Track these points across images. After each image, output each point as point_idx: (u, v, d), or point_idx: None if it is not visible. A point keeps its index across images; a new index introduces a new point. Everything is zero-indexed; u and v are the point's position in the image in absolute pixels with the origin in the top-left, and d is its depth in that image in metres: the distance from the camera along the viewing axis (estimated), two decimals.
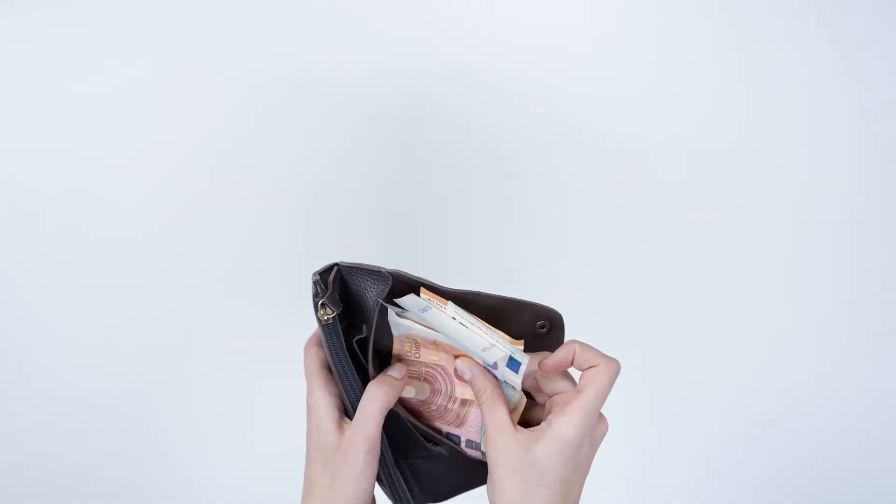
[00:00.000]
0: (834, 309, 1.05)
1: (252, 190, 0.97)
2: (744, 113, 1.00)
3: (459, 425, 0.57)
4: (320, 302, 0.53)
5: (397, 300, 0.55)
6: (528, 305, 0.56)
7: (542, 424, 0.53)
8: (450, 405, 0.57)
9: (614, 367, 0.54)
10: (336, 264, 0.56)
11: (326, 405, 0.56)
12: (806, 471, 1.09)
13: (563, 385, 0.55)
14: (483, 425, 0.56)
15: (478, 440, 0.57)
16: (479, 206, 1.00)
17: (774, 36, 0.99)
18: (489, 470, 0.54)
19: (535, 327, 0.56)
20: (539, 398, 0.58)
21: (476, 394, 0.55)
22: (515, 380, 0.55)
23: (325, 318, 0.54)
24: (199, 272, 0.98)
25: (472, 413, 0.57)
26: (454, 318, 0.55)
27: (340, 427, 0.56)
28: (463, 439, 0.58)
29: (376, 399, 0.55)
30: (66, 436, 0.99)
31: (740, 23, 0.98)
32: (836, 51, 0.99)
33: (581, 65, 0.97)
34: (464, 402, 0.57)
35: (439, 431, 0.58)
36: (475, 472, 0.61)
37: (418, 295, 0.55)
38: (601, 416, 0.54)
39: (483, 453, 0.58)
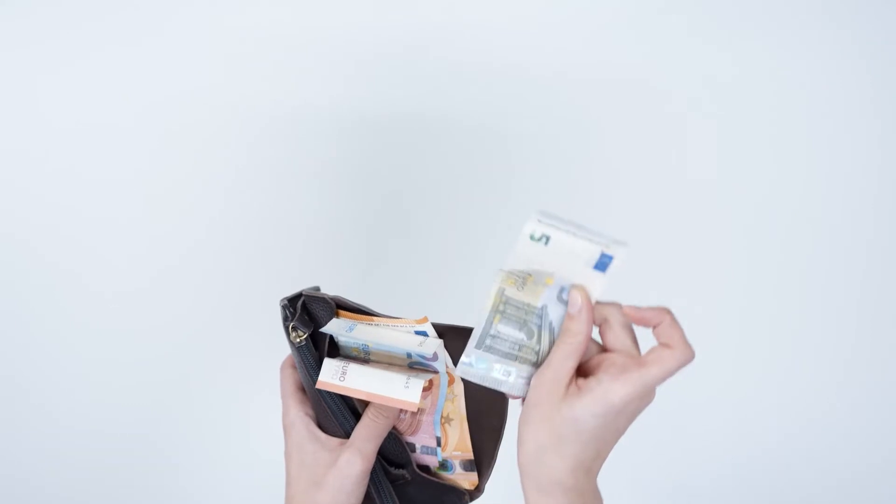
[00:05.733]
0: (846, 311, 1.06)
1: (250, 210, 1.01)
2: (754, 104, 1.01)
3: (413, 433, 0.62)
4: (291, 325, 0.59)
5: (323, 329, 0.59)
6: (470, 331, 0.57)
7: (591, 382, 0.52)
8: (402, 414, 0.62)
9: (688, 356, 0.52)
10: (301, 292, 0.61)
11: (305, 424, 0.60)
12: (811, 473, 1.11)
13: (625, 344, 0.54)
14: (547, 361, 0.54)
15: (433, 446, 0.62)
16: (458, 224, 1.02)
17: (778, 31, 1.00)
18: (525, 408, 0.54)
19: None
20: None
21: (565, 332, 0.54)
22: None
23: (298, 340, 0.58)
24: (199, 278, 1.02)
25: (425, 420, 0.62)
26: (378, 325, 0.59)
27: (325, 445, 0.59)
28: (418, 446, 0.63)
29: (377, 422, 0.59)
30: (68, 444, 1.03)
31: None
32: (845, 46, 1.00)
33: (574, 58, 0.99)
34: (417, 410, 0.61)
35: (404, 444, 0.62)
36: (442, 497, 0.64)
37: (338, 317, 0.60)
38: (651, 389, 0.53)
39: (442, 462, 0.63)
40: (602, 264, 0.53)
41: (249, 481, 1.07)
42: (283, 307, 0.60)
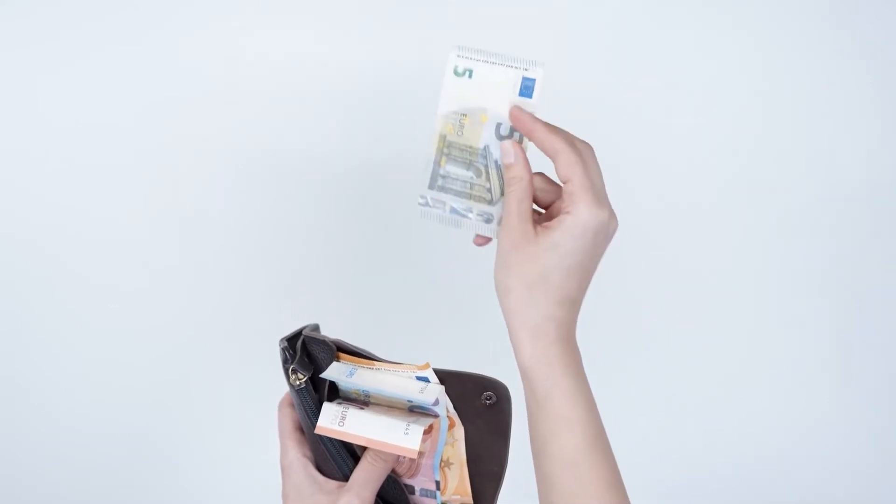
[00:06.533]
0: (847, 311, 1.06)
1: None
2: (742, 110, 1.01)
3: (413, 476, 0.62)
4: (291, 368, 0.58)
5: (322, 374, 0.58)
6: (471, 377, 0.59)
7: (560, 215, 0.55)
8: (401, 458, 0.61)
9: (576, 150, 0.55)
10: (301, 331, 0.60)
11: (303, 466, 0.60)
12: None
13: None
14: (503, 213, 0.57)
15: (433, 488, 0.62)
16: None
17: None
18: (501, 257, 0.56)
19: (482, 399, 0.60)
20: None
21: (510, 180, 0.57)
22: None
23: (298, 383, 0.58)
24: (199, 278, 1.02)
25: (425, 464, 0.61)
26: (378, 370, 0.59)
27: (322, 488, 0.59)
28: (417, 488, 0.62)
29: (375, 466, 0.58)
30: (68, 444, 1.03)
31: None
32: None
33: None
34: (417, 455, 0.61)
35: (403, 487, 0.62)
36: None
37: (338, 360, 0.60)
38: (612, 214, 0.56)
39: None
40: (526, 89, 0.57)
41: (250, 481, 1.07)
42: (283, 349, 0.59)
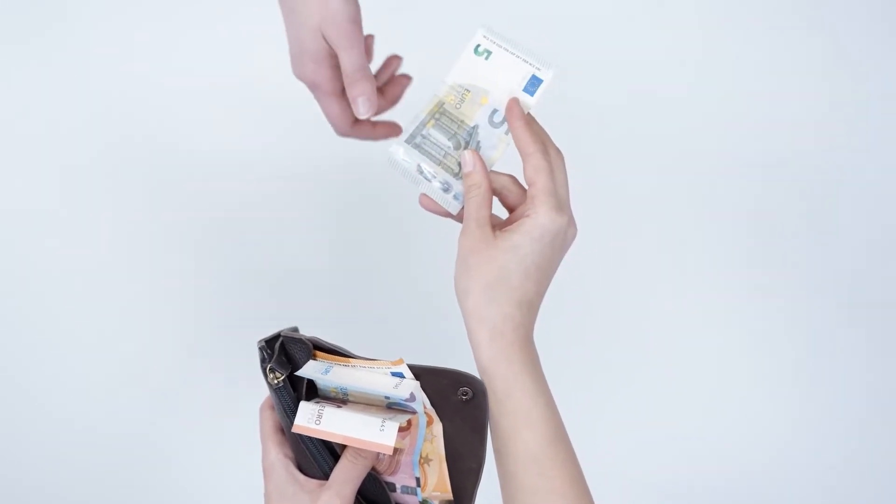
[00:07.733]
0: (846, 312, 1.06)
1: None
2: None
3: (393, 473, 0.62)
4: (268, 367, 0.58)
5: (299, 372, 0.59)
6: (447, 372, 0.58)
7: (521, 219, 0.57)
8: (381, 455, 0.61)
9: (546, 156, 0.57)
10: (280, 333, 0.60)
11: (284, 466, 0.60)
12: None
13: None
14: (465, 217, 0.59)
15: (413, 485, 0.62)
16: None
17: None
18: (461, 260, 0.58)
19: (458, 395, 0.59)
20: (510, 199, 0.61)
21: (469, 187, 0.59)
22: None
23: (276, 381, 0.58)
24: (198, 279, 1.04)
25: (404, 461, 0.61)
26: (354, 367, 0.59)
27: (304, 487, 0.59)
28: (398, 486, 0.62)
29: (355, 464, 0.58)
30: (68, 444, 1.04)
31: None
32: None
33: None
34: (396, 451, 0.61)
35: (383, 484, 0.62)
36: None
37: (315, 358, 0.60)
38: (572, 221, 0.58)
39: (423, 502, 0.62)
40: (532, 86, 0.59)
41: (250, 481, 1.08)
42: (261, 349, 0.59)
